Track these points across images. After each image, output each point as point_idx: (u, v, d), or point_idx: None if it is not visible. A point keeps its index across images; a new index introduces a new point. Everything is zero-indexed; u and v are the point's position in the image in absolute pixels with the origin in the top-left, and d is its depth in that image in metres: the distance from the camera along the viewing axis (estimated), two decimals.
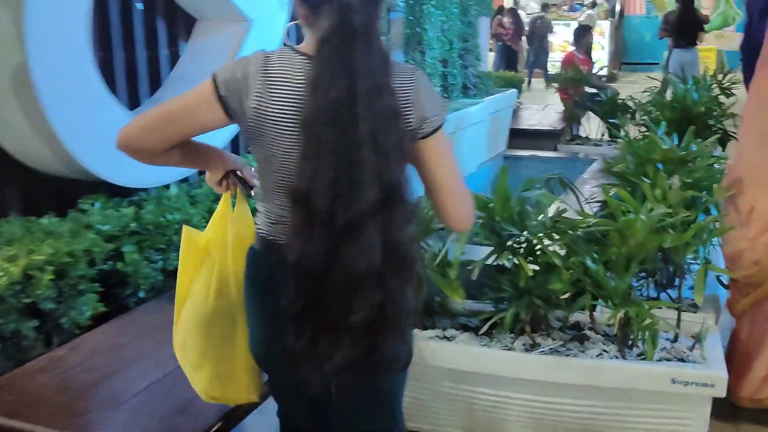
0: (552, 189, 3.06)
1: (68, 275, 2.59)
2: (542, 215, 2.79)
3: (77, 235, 2.75)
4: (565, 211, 2.84)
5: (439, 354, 2.73)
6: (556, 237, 2.74)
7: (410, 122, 1.54)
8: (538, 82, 13.75)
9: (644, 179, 2.99)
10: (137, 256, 2.89)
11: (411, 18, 5.09)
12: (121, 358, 2.42)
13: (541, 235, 2.71)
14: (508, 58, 13.34)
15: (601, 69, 15.06)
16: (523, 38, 14.17)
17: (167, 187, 3.46)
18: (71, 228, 2.79)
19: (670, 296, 3.02)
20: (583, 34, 8.04)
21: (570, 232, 2.75)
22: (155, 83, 3.82)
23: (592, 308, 2.82)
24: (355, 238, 1.41)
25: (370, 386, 1.64)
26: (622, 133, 3.82)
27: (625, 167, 3.09)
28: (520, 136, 7.27)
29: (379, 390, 1.70)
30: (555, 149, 6.86)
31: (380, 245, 1.42)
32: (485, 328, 2.79)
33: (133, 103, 3.63)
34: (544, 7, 14.72)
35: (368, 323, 1.43)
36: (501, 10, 14.30)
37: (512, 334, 2.81)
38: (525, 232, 2.73)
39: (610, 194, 2.86)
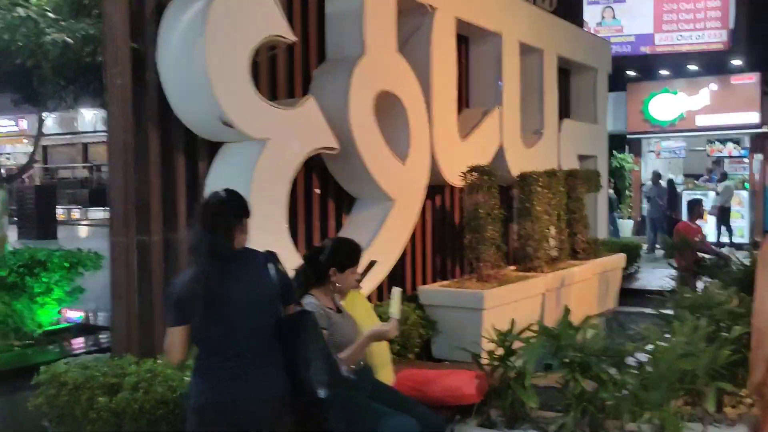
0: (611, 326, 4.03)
1: None
2: (596, 342, 3.76)
3: None
4: (611, 340, 3.80)
5: None
6: (606, 359, 3.69)
7: None
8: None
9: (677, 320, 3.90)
10: None
11: (522, 195, 6.35)
12: None
13: (593, 358, 3.68)
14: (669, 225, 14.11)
15: (737, 238, 15.41)
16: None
17: None
18: None
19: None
20: (695, 206, 8.87)
21: (617, 356, 3.70)
22: None
23: (637, 416, 3.65)
24: None
25: None
26: None
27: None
28: (634, 296, 8.05)
29: None
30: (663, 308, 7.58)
31: None
32: (553, 427, 3.71)
33: None
34: (656, 176, 15.51)
35: None
36: (657, 179, 15.24)
37: None
38: (580, 354, 3.71)
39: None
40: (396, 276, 5.79)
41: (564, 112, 8.44)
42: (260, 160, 4.23)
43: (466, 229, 5.68)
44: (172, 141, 4.30)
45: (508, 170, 6.62)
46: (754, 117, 16.54)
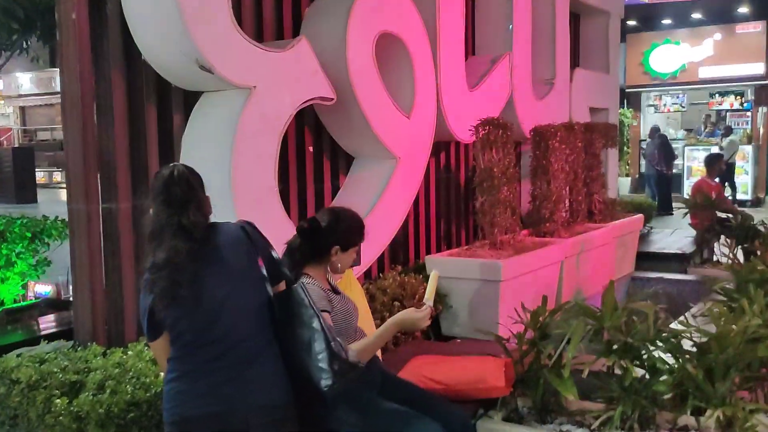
0: (659, 302, 3.46)
1: None
2: (647, 324, 3.19)
3: None
4: (667, 320, 3.23)
5: None
6: (660, 344, 3.12)
7: None
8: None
9: (745, 296, 3.32)
10: None
11: (537, 152, 5.72)
12: None
13: (646, 342, 3.11)
14: (659, 182, 13.63)
15: (741, 194, 14.93)
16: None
17: None
18: None
19: None
20: (714, 161, 8.30)
21: (672, 340, 3.13)
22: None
23: (699, 411, 3.11)
24: None
25: None
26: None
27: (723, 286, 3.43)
28: (650, 259, 7.52)
29: None
30: (685, 272, 7.05)
31: None
32: (596, 424, 3.16)
33: None
34: (653, 132, 14.94)
35: None
36: (654, 134, 14.67)
37: None
38: (630, 338, 3.13)
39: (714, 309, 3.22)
40: (398, 244, 5.19)
41: (574, 60, 7.76)
42: (245, 112, 3.57)
43: (478, 190, 5.06)
44: (140, 90, 3.62)
45: (518, 124, 5.98)
46: (759, 68, 15.90)
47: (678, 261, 7.27)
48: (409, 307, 2.78)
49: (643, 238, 7.88)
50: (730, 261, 5.24)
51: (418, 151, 4.97)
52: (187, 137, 3.65)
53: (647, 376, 3.15)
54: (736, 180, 15.34)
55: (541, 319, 3.38)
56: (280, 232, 3.79)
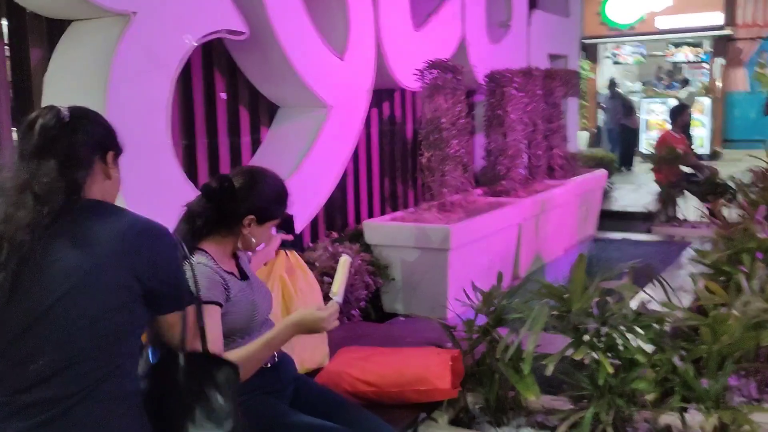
0: (637, 277, 2.86)
1: None
2: (623, 307, 2.59)
3: None
4: (648, 302, 2.64)
5: None
6: (640, 331, 2.53)
7: None
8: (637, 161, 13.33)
9: (740, 269, 2.74)
10: None
11: (492, 100, 5.05)
12: None
13: (622, 328, 2.51)
14: (621, 137, 13.16)
15: (698, 148, 14.60)
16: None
17: None
18: None
19: None
20: (679, 113, 7.74)
21: (655, 326, 2.54)
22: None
23: (683, 410, 2.55)
24: None
25: None
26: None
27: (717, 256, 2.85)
28: (611, 218, 6.99)
29: None
30: (649, 231, 6.55)
31: None
32: (563, 428, 2.57)
33: None
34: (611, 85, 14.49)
35: None
36: (612, 85, 14.17)
37: None
38: (604, 325, 2.53)
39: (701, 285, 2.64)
40: (334, 208, 4.50)
41: (531, 2, 7.07)
42: (122, 45, 2.79)
43: (424, 144, 4.39)
44: None
45: (471, 69, 5.30)
46: (717, 18, 15.44)
47: (642, 220, 6.75)
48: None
49: (605, 195, 7.32)
50: (707, 221, 4.68)
51: (354, 98, 4.26)
52: (50, 78, 2.87)
53: (622, 369, 2.56)
54: (692, 133, 14.97)
55: (495, 301, 2.76)
56: (176, 199, 3.07)
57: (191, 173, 3.62)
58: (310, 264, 3.67)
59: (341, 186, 4.60)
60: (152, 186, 2.91)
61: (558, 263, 5.51)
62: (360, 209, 4.82)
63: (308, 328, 2.00)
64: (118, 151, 1.65)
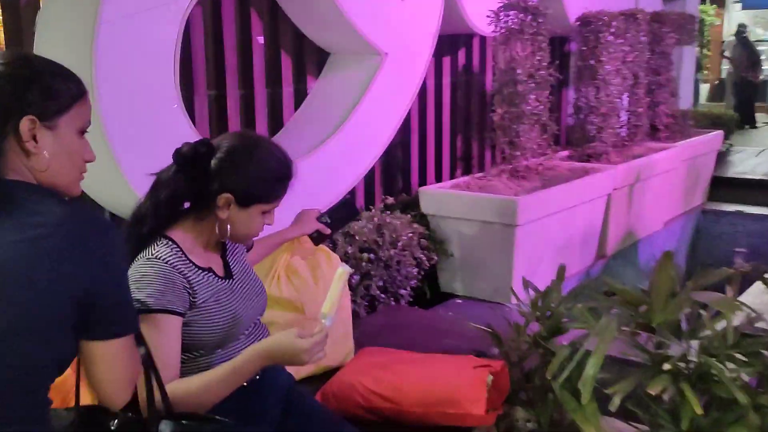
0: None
1: None
2: (723, 324, 1.96)
3: None
4: (758, 317, 2.00)
5: None
6: (742, 359, 1.90)
7: None
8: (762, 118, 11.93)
9: None
10: None
11: (584, 48, 4.32)
12: None
13: (719, 354, 1.89)
14: (742, 91, 11.75)
15: None
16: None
17: None
18: None
19: None
20: None
21: (765, 353, 1.90)
22: (277, 123, 3.47)
23: None
24: None
25: None
26: None
27: None
28: (726, 187, 6.08)
29: None
30: None
31: None
32: None
33: None
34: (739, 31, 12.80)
35: None
36: (740, 32, 12.68)
37: None
38: (693, 348, 1.92)
39: None
40: (395, 171, 3.98)
41: None
42: None
43: (497, 98, 3.76)
44: None
45: (561, 9, 4.52)
46: None
47: (763, 190, 5.82)
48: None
49: (720, 158, 6.37)
50: None
51: (415, 45, 3.67)
52: (42, 18, 2.48)
53: (715, 407, 1.95)
54: None
55: (552, 304, 2.18)
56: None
57: (221, 127, 3.19)
58: (350, 237, 3.19)
59: (404, 146, 4.07)
60: (155, 150, 2.49)
61: (654, 239, 4.77)
62: (426, 172, 4.27)
63: (283, 360, 1.52)
64: (43, 113, 1.14)
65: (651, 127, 5.10)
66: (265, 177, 1.64)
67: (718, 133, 5.90)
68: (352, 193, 3.62)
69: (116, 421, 1.21)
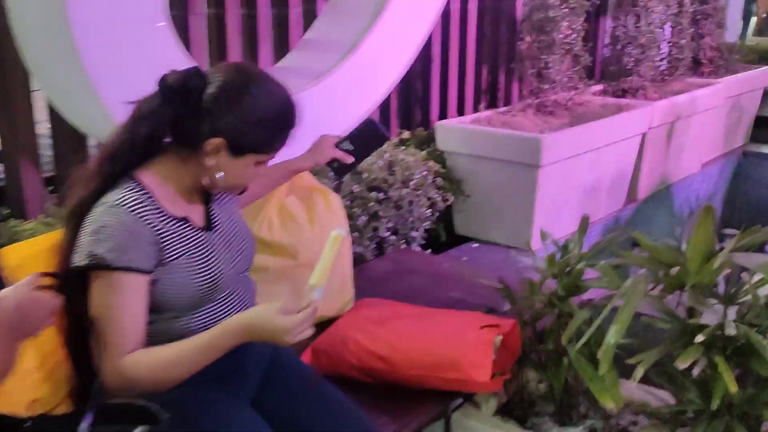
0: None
1: None
2: (765, 290, 1.72)
3: None
4: None
5: None
6: None
7: None
8: None
9: None
10: None
11: None
12: None
13: (758, 325, 1.66)
14: None
15: None
16: None
17: None
18: None
19: None
20: None
21: None
22: (283, 47, 3.20)
23: None
24: None
25: None
26: None
27: None
28: None
29: None
30: None
31: None
32: None
33: None
34: None
35: None
36: None
37: None
38: (730, 316, 1.69)
39: None
40: (406, 106, 3.70)
41: None
42: None
43: (525, 25, 3.42)
44: None
45: None
46: None
47: None
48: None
49: (765, 97, 5.93)
50: None
51: None
52: None
53: (752, 384, 1.74)
54: None
55: (572, 260, 1.94)
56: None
57: (220, 52, 2.94)
58: (357, 175, 2.96)
59: (424, 75, 3.77)
60: (137, 76, 2.24)
61: (690, 183, 4.46)
62: (447, 105, 3.97)
63: (262, 338, 1.31)
64: None
65: (693, 61, 4.71)
66: (265, 123, 1.38)
67: (766, 70, 5.47)
68: None
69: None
